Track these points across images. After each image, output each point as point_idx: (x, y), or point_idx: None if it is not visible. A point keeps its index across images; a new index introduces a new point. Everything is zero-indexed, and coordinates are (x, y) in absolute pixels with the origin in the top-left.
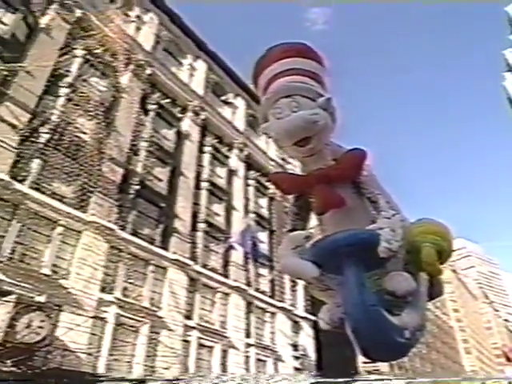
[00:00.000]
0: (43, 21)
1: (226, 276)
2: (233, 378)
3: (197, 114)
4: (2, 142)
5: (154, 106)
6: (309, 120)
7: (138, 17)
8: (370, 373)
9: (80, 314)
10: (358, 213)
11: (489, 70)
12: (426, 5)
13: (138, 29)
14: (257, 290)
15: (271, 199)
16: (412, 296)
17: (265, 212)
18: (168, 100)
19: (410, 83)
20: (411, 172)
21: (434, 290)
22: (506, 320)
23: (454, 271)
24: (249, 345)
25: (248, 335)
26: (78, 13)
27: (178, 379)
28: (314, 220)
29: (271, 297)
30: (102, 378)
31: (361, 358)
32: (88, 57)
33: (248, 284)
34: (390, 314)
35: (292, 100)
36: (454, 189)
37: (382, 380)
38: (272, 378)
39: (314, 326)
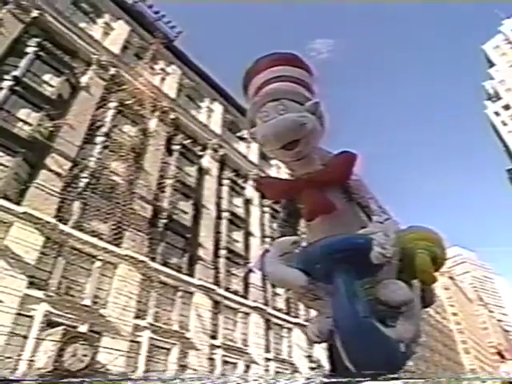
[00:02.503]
0: (83, 80)
1: (246, 297)
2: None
3: (215, 150)
4: (49, 189)
5: (178, 147)
6: (296, 122)
7: (163, 69)
8: None
9: (115, 343)
10: (349, 218)
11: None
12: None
13: (163, 79)
14: (274, 308)
15: None
16: (406, 306)
17: None
18: (190, 140)
19: (408, 99)
20: (406, 184)
21: (426, 299)
22: (499, 320)
23: (451, 278)
24: (268, 359)
25: (267, 350)
26: (112, 71)
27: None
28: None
29: (287, 314)
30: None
31: None
32: (120, 108)
33: (266, 303)
34: (384, 325)
35: (279, 103)
36: (446, 200)
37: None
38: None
39: None
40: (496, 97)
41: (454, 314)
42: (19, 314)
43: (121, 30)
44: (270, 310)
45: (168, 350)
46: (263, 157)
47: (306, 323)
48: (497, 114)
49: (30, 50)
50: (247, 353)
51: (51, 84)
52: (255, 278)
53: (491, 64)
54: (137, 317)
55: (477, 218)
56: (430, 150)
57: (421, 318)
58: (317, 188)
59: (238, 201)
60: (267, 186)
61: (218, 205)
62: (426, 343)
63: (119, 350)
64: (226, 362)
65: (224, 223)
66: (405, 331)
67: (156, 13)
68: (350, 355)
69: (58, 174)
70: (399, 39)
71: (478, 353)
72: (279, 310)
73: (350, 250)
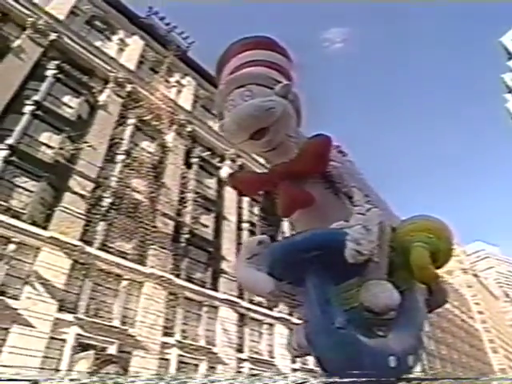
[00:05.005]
0: (101, 98)
1: (270, 308)
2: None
3: (233, 160)
4: (73, 211)
5: (196, 160)
6: (261, 107)
7: (178, 81)
8: None
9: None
10: (332, 210)
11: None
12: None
13: (179, 92)
14: (298, 317)
15: None
16: (399, 312)
17: None
18: (208, 152)
19: (424, 95)
20: (427, 177)
21: (435, 299)
22: None
23: (475, 275)
24: (295, 369)
25: (294, 361)
26: (129, 87)
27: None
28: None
29: None
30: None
31: None
32: (138, 124)
33: (290, 313)
34: (372, 335)
35: (245, 89)
36: (466, 194)
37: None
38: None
39: None
40: None
41: (480, 313)
42: (52, 338)
43: (135, 45)
44: (294, 320)
45: (196, 365)
46: None
47: None
48: None
49: (49, 73)
50: (274, 364)
51: (70, 105)
52: None
53: (510, 56)
54: (165, 334)
55: (499, 212)
56: (448, 143)
57: (422, 326)
58: (292, 180)
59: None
60: (240, 181)
61: (239, 215)
62: (452, 344)
63: (149, 369)
64: (253, 375)
65: (245, 234)
66: (397, 342)
67: (168, 24)
68: (327, 372)
69: (82, 196)
70: (416, 33)
71: (507, 351)
72: None
73: (319, 249)
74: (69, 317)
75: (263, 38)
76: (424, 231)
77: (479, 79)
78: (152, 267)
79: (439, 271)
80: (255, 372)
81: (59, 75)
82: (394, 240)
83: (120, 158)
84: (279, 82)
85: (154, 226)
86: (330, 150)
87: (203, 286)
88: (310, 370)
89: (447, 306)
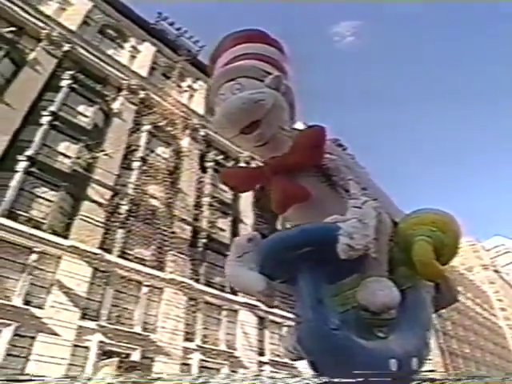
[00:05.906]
0: (115, 106)
1: (289, 310)
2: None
3: (248, 163)
4: (92, 219)
5: (211, 164)
6: (250, 100)
7: (190, 86)
8: None
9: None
10: (330, 205)
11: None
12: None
13: (191, 96)
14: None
15: None
16: (402, 311)
17: None
18: (222, 156)
19: (437, 82)
20: (447, 169)
21: (443, 297)
22: None
23: (496, 271)
24: None
25: None
26: (142, 94)
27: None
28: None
29: None
30: None
31: None
32: (153, 130)
33: None
34: (371, 337)
35: (234, 83)
36: (484, 188)
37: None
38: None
39: None
40: None
41: (503, 309)
42: (76, 346)
43: (147, 51)
44: None
45: (218, 370)
46: None
47: None
48: None
49: (64, 83)
50: (295, 367)
51: (86, 114)
52: None
53: None
54: (186, 339)
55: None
56: (465, 133)
57: (428, 325)
58: (285, 174)
59: None
60: (231, 177)
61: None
62: (475, 342)
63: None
64: (274, 378)
65: None
66: (398, 344)
67: (178, 29)
68: (321, 376)
69: (100, 204)
70: (430, 23)
71: None
72: None
73: (311, 245)
74: (91, 324)
75: (255, 31)
76: (428, 224)
77: (495, 72)
78: (171, 273)
79: (445, 267)
80: (276, 375)
81: (74, 85)
82: (396, 234)
83: (136, 164)
84: (271, 74)
85: (172, 232)
86: (325, 141)
87: (222, 290)
88: None
89: (469, 303)
